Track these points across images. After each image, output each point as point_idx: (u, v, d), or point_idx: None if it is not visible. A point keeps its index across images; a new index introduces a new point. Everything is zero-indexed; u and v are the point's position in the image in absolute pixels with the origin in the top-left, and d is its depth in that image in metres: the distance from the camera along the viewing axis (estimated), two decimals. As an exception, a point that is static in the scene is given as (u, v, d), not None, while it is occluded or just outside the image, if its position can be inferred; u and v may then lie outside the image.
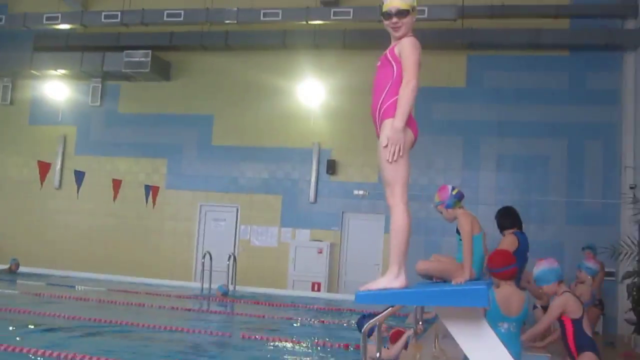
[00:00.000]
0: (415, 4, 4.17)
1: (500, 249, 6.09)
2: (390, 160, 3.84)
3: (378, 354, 4.70)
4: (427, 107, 15.50)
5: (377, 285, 3.91)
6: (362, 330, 4.48)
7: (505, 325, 6.17)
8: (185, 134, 17.40)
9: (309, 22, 15.75)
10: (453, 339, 3.99)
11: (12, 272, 15.27)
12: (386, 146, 3.84)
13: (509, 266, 6.07)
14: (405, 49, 4.00)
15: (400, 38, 4.13)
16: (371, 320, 4.66)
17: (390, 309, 4.94)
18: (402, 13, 4.15)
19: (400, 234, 3.88)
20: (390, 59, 4.05)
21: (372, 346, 5.38)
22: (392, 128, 3.85)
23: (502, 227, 7.66)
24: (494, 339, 3.90)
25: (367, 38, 15.97)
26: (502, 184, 15.33)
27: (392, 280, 3.90)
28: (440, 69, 15.74)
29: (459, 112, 15.72)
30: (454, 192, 6.71)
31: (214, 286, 13.84)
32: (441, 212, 6.85)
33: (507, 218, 7.68)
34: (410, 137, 3.95)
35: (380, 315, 4.70)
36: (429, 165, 15.51)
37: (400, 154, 3.83)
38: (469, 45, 15.72)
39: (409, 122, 3.94)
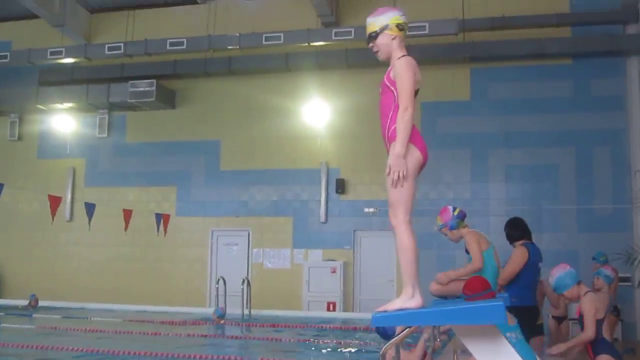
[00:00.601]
0: (388, 22, 4.14)
1: (475, 276, 6.06)
2: (393, 186, 3.86)
3: None
4: (432, 122, 15.55)
5: (393, 306, 3.91)
6: (380, 354, 4.47)
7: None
8: (193, 160, 17.47)
9: (311, 44, 15.84)
10: (471, 355, 3.98)
11: (33, 308, 15.30)
12: (389, 173, 3.87)
13: (487, 290, 6.05)
14: (398, 74, 4.02)
15: (388, 59, 4.16)
16: (389, 343, 4.65)
17: (407, 329, 4.93)
18: (372, 37, 4.20)
19: (407, 254, 3.89)
20: (389, 84, 4.07)
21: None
22: (393, 155, 3.88)
23: (511, 239, 7.64)
24: (513, 355, 3.88)
25: (370, 56, 15.83)
26: (512, 194, 15.30)
27: (407, 300, 3.90)
28: (444, 83, 15.80)
29: (465, 125, 15.73)
30: (455, 213, 6.71)
31: (229, 311, 13.85)
32: (446, 234, 6.85)
33: (516, 229, 7.65)
34: (417, 159, 3.96)
35: (398, 337, 4.69)
36: (437, 180, 15.50)
37: (404, 179, 3.85)
38: (471, 59, 15.75)
39: (417, 144, 3.97)
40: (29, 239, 18.34)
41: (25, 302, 15.61)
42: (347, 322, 13.56)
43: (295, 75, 16.78)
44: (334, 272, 15.74)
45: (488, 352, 3.83)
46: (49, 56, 17.05)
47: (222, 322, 12.97)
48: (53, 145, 18.60)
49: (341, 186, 16.17)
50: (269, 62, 16.83)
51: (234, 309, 14.04)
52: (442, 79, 15.75)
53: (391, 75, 4.06)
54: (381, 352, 4.48)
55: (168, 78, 17.71)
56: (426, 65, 15.86)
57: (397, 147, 3.87)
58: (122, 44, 16.72)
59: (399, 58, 4.08)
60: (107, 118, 18.20)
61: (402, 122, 3.89)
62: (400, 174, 3.84)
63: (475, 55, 15.63)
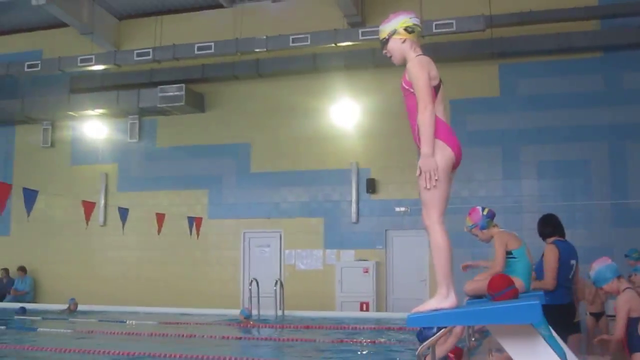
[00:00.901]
0: (396, 26, 4.20)
1: (497, 275, 6.01)
2: (427, 187, 3.86)
3: None
4: (462, 119, 15.47)
5: (428, 307, 3.91)
6: (417, 354, 4.48)
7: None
8: (223, 163, 17.58)
9: (338, 44, 15.84)
10: (506, 353, 3.96)
11: (72, 312, 15.53)
12: (420, 174, 3.87)
13: (511, 287, 5.98)
14: (411, 75, 4.05)
15: (403, 62, 4.20)
16: (425, 343, 4.66)
17: (443, 330, 4.93)
18: (383, 43, 4.28)
19: (441, 254, 3.89)
20: (407, 87, 4.10)
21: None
22: (421, 156, 3.89)
23: (543, 235, 7.55)
24: (550, 354, 3.86)
25: (397, 55, 16.03)
26: (544, 191, 15.17)
27: (441, 300, 3.90)
28: (473, 80, 15.74)
29: (495, 122, 15.63)
30: (485, 213, 6.68)
31: (263, 312, 13.93)
32: (476, 235, 6.83)
33: (547, 226, 7.54)
34: (449, 157, 3.96)
35: (433, 338, 4.70)
36: (469, 178, 15.41)
37: (436, 178, 3.85)
38: (499, 54, 15.65)
39: (448, 141, 3.97)
40: (63, 244, 18.61)
41: (63, 307, 15.84)
42: (380, 322, 13.56)
43: (322, 75, 16.80)
44: (367, 272, 15.73)
45: (524, 351, 3.82)
46: (79, 64, 17.26)
47: (250, 323, 13.07)
48: (85, 151, 18.85)
49: (372, 186, 16.15)
50: (296, 63, 16.88)
51: (268, 311, 14.11)
52: (470, 76, 15.70)
53: (407, 77, 4.09)
54: (417, 353, 4.49)
55: (197, 82, 17.86)
56: (454, 63, 15.91)
57: (424, 147, 3.88)
58: (150, 50, 16.87)
59: (415, 57, 4.11)
60: (137, 123, 18.38)
61: (423, 123, 3.92)
62: (432, 174, 3.84)
63: (503, 51, 15.54)
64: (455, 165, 4.05)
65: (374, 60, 16.18)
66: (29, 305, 16.85)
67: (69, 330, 12.61)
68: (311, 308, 15.10)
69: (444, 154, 3.93)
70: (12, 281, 18.51)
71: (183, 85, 17.14)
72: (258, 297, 13.95)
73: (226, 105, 17.91)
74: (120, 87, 18.17)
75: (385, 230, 16.14)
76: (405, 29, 4.19)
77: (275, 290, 13.91)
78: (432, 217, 3.90)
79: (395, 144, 15.66)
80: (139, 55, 16.93)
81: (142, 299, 16.98)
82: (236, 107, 17.76)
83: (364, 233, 16.19)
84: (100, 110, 18.24)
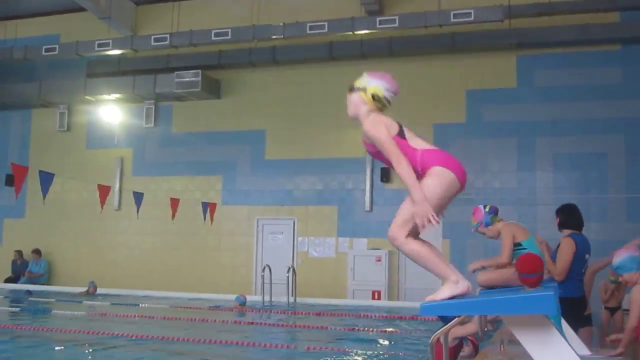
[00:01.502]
0: (368, 87, 4.20)
1: (530, 254, 5.95)
2: (434, 225, 3.86)
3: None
4: (478, 110, 15.47)
5: (441, 295, 3.93)
6: (429, 342, 4.49)
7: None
8: (238, 150, 17.61)
9: (355, 33, 15.79)
10: (519, 344, 3.96)
11: (90, 295, 15.67)
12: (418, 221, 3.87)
13: (533, 274, 5.92)
14: (370, 137, 4.08)
15: (353, 117, 4.28)
16: (437, 332, 4.67)
17: (456, 319, 4.94)
18: (350, 89, 4.30)
19: (426, 257, 3.93)
20: (370, 150, 4.20)
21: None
22: (415, 204, 3.86)
23: (562, 225, 7.46)
24: (563, 345, 3.86)
25: (413, 45, 16.03)
26: (559, 183, 15.08)
27: (453, 287, 3.91)
28: (490, 70, 15.68)
29: (511, 113, 15.55)
30: (487, 210, 6.74)
31: (275, 299, 14.02)
32: (484, 233, 6.87)
33: (570, 217, 7.42)
34: (451, 181, 3.95)
35: (446, 327, 4.71)
36: (483, 169, 15.37)
37: (436, 219, 3.85)
38: (517, 45, 15.55)
39: (450, 166, 3.96)
40: (78, 228, 18.74)
41: (82, 289, 15.99)
42: (392, 310, 13.59)
43: (339, 64, 16.77)
44: (379, 260, 15.75)
45: (538, 342, 3.81)
46: (96, 48, 17.29)
47: (244, 309, 13.33)
48: (101, 136, 18.94)
49: (386, 175, 16.13)
50: (313, 51, 16.86)
51: (280, 297, 14.19)
52: (488, 67, 15.67)
53: (365, 139, 4.14)
54: (430, 341, 4.50)
55: (213, 68, 17.87)
56: (472, 53, 15.87)
57: (413, 195, 3.86)
58: (167, 35, 16.87)
59: (364, 121, 4.14)
60: (153, 108, 18.44)
61: (401, 175, 3.92)
62: (430, 218, 3.83)
63: (521, 41, 15.44)
64: (459, 190, 4.04)
65: (390, 49, 16.15)
66: (45, 288, 17.10)
67: (82, 313, 12.75)
68: (323, 295, 15.17)
69: (442, 181, 3.93)
70: (26, 263, 18.68)
71: (199, 71, 17.18)
72: (270, 283, 14.02)
73: (242, 91, 17.92)
74: (137, 72, 18.23)
75: (399, 220, 16.06)
76: (373, 96, 4.19)
77: (288, 277, 13.98)
78: (401, 237, 3.93)
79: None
80: (155, 40, 16.93)
81: (155, 284, 17.09)
82: (252, 94, 17.77)
83: (378, 222, 16.16)
84: (117, 95, 18.31)
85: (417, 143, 4.08)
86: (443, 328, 4.69)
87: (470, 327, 6.36)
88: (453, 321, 5.05)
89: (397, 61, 16.19)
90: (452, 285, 3.91)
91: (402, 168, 3.90)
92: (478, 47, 15.68)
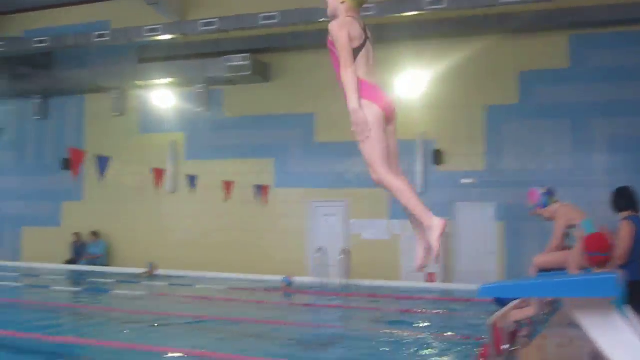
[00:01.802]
0: None
1: (600, 233, 5.90)
2: (362, 138, 3.93)
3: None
4: (531, 91, 15.35)
5: (434, 244, 3.87)
6: (487, 323, 4.55)
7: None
8: (288, 133, 17.75)
9: (404, 14, 15.70)
10: (578, 327, 3.90)
11: (150, 275, 16.08)
12: (353, 129, 3.95)
13: (598, 253, 5.84)
14: (332, 35, 4.04)
15: (331, 17, 4.18)
16: (495, 314, 4.72)
17: (513, 302, 4.96)
18: None
19: (404, 194, 3.95)
20: (330, 47, 4.12)
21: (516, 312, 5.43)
22: (350, 112, 3.94)
23: (616, 208, 7.42)
24: (626, 328, 3.79)
25: (463, 25, 15.89)
26: (615, 165, 14.86)
27: (435, 231, 3.87)
28: (542, 51, 15.52)
29: (565, 94, 15.38)
30: (542, 191, 6.71)
31: (330, 280, 14.20)
32: (541, 215, 6.86)
33: (622, 198, 7.39)
34: (376, 113, 4.00)
35: (505, 309, 4.75)
36: (537, 151, 15.27)
37: (369, 130, 3.91)
38: (570, 25, 15.33)
39: (374, 98, 4.02)
40: (134, 210, 19.15)
41: (142, 270, 16.40)
42: (446, 293, 13.67)
43: (388, 46, 16.60)
44: (433, 243, 15.71)
45: (600, 325, 3.66)
46: (145, 34, 17.50)
47: (290, 289, 13.84)
48: (153, 120, 19.24)
49: (438, 157, 16.12)
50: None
51: (333, 279, 14.36)
52: (539, 47, 15.51)
53: (329, 37, 4.11)
54: (489, 323, 4.56)
55: (262, 52, 17.96)
56: (523, 34, 15.68)
57: (349, 103, 3.94)
58: (216, 20, 16.97)
59: (337, 19, 4.12)
60: (204, 93, 18.63)
61: (344, 80, 3.96)
62: (363, 127, 3.91)
63: (573, 21, 15.22)
64: (389, 119, 4.10)
65: (440, 30, 16.04)
66: (104, 269, 17.56)
67: (143, 292, 13.08)
68: (376, 277, 15.27)
69: (370, 111, 3.97)
70: (85, 245, 19.15)
71: (248, 55, 17.29)
72: (324, 265, 14.18)
73: (291, 75, 18.00)
74: (187, 56, 18.42)
75: (452, 202, 16.07)
76: None
77: (341, 259, 14.11)
78: (378, 171, 3.98)
79: (461, 115, 15.61)
80: (204, 25, 17.06)
81: (209, 265, 17.39)
82: (301, 77, 17.83)
83: (431, 204, 15.63)
84: (168, 80, 18.56)
85: (361, 69, 4.08)
86: (502, 309, 4.73)
87: (529, 310, 6.40)
88: (511, 303, 5.10)
89: (446, 42, 16.11)
90: (433, 231, 3.87)
91: (347, 75, 3.96)
92: (530, 27, 15.48)
